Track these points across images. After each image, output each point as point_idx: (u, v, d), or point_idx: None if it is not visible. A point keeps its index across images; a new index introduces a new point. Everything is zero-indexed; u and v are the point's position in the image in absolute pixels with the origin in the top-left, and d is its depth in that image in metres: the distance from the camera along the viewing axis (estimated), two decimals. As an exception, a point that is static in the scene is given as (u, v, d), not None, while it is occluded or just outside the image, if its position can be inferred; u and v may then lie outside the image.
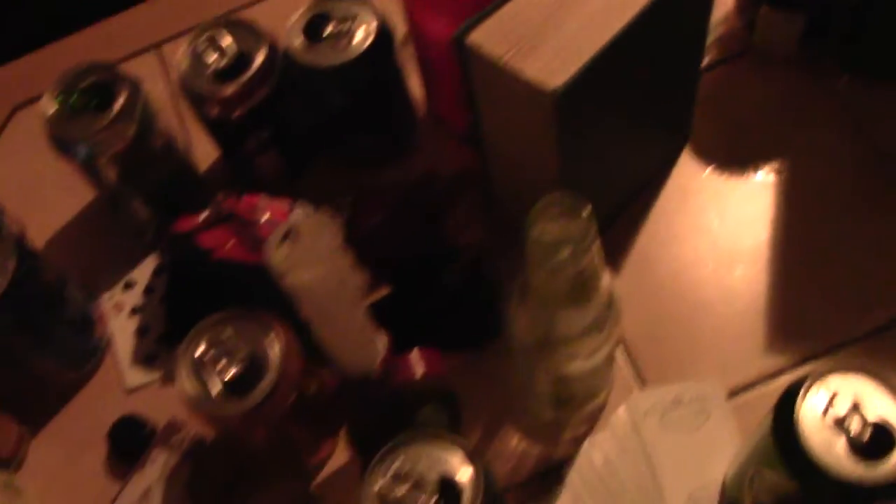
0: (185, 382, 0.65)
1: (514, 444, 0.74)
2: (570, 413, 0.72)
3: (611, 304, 0.61)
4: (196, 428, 0.76)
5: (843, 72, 0.87)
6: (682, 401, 0.73)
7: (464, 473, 0.59)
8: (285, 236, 0.51)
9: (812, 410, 0.57)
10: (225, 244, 0.75)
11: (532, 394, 0.71)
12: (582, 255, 0.53)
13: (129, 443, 0.78)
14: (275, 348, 0.65)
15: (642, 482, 0.70)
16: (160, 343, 0.82)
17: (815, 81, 0.86)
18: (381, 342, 0.63)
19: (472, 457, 0.59)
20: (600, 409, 0.74)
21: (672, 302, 0.78)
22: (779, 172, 0.83)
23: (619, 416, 0.73)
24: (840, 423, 0.56)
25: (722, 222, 0.81)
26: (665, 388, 0.74)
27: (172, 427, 0.76)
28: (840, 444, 0.56)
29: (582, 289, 0.57)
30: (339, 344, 0.59)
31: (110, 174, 0.79)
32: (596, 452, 0.72)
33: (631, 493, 0.70)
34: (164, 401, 0.80)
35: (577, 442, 0.73)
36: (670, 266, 0.80)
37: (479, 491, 0.58)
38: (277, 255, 0.50)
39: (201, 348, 0.65)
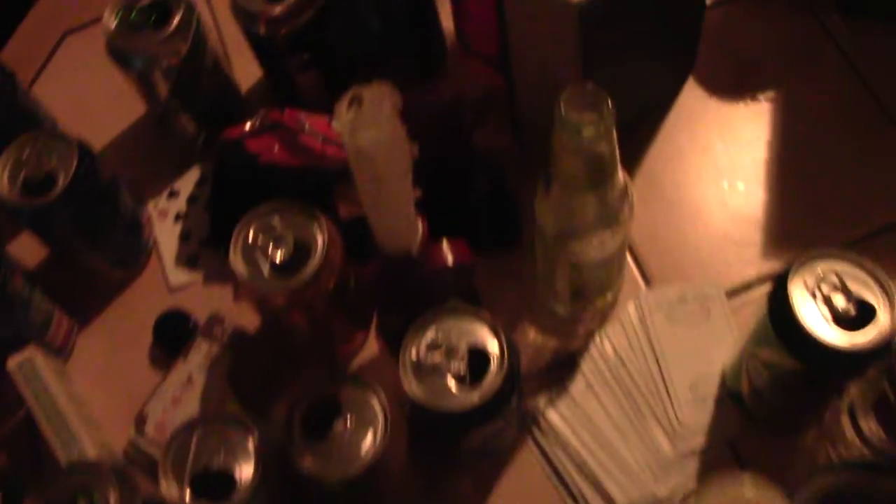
0: (238, 264, 0.71)
1: (532, 338, 0.80)
2: (583, 308, 0.79)
3: (626, 196, 0.68)
4: (237, 321, 0.82)
5: (838, 11, 0.94)
6: (686, 299, 0.80)
7: (491, 344, 0.66)
8: (350, 102, 0.57)
9: (802, 289, 0.63)
10: (271, 149, 0.81)
11: (550, 289, 0.78)
12: (602, 136, 0.59)
13: (173, 335, 0.83)
14: (319, 236, 0.71)
15: (648, 371, 0.77)
16: (202, 246, 0.89)
17: (813, 20, 0.93)
18: (420, 226, 0.69)
19: (497, 330, 0.66)
20: (611, 306, 0.80)
21: (676, 212, 0.85)
22: (775, 100, 0.89)
23: (628, 311, 0.80)
24: (827, 300, 0.63)
25: (723, 143, 0.88)
26: (670, 288, 0.80)
27: (214, 320, 0.82)
28: (827, 318, 0.62)
29: (601, 173, 0.63)
30: (385, 216, 0.66)
31: (162, 88, 0.86)
32: (606, 344, 0.78)
33: (637, 380, 0.77)
34: (206, 298, 0.86)
35: (590, 336, 0.80)
36: (675, 180, 0.87)
37: (504, 359, 0.65)
38: (343, 118, 0.56)
39: (252, 234, 0.71)
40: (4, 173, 0.79)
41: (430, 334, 0.66)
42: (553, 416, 0.76)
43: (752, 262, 0.81)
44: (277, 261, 0.70)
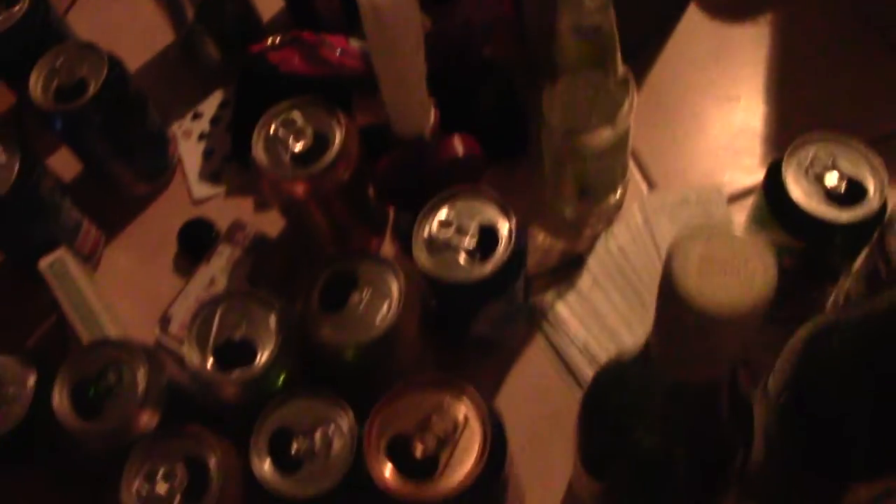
0: (260, 154, 0.74)
1: (541, 241, 0.84)
2: (589, 209, 0.82)
3: (627, 86, 0.71)
4: (258, 227, 0.86)
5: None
6: (688, 202, 0.83)
7: (500, 223, 0.69)
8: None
9: (796, 169, 0.67)
10: (291, 60, 0.85)
11: (557, 191, 0.81)
12: (601, 9, 0.63)
13: (196, 242, 0.87)
14: (337, 130, 0.75)
15: (651, 267, 0.80)
16: (225, 162, 0.93)
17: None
18: (432, 111, 0.73)
19: (507, 210, 0.69)
20: (616, 209, 0.84)
21: (679, 125, 0.89)
22: (774, 23, 0.93)
23: (633, 212, 0.83)
24: (820, 179, 0.66)
25: (724, 64, 0.92)
26: (673, 191, 0.84)
27: (236, 226, 0.86)
28: (820, 195, 0.66)
29: (603, 52, 0.67)
30: (399, 91, 0.69)
31: (189, 12, 0.90)
32: (612, 242, 0.82)
33: (642, 274, 0.80)
34: (228, 210, 0.90)
35: (596, 238, 0.83)
36: (677, 98, 0.91)
37: (512, 236, 0.68)
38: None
39: (273, 127, 0.75)
40: (38, 82, 0.83)
41: (442, 213, 0.70)
42: (561, 309, 0.80)
43: (751, 170, 0.85)
44: (297, 150, 0.74)
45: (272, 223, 0.87)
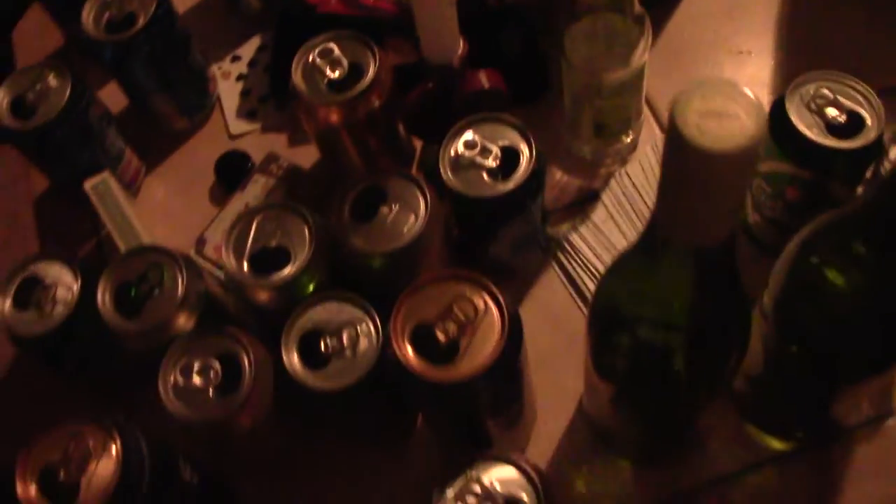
0: (298, 80, 0.79)
1: (559, 178, 0.89)
2: (605, 148, 0.87)
3: (643, 23, 0.76)
4: (292, 159, 0.91)
5: None
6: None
7: (522, 146, 0.74)
8: None
9: (799, 102, 0.71)
10: (328, 2, 0.90)
11: (576, 130, 0.86)
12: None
13: (232, 172, 0.92)
14: (371, 60, 0.79)
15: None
16: (261, 102, 0.98)
17: None
18: (461, 41, 0.78)
19: (528, 135, 0.74)
20: (630, 150, 0.88)
21: (692, 73, 0.93)
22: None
23: (646, 153, 0.88)
24: (821, 112, 0.71)
25: (736, 16, 0.97)
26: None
27: (271, 157, 0.91)
28: (821, 126, 0.70)
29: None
30: (431, 15, 0.74)
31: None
32: (626, 179, 0.86)
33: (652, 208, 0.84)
34: (263, 145, 0.95)
35: (610, 176, 0.88)
36: (691, 47, 0.95)
37: (532, 158, 0.73)
38: None
39: (311, 57, 0.80)
40: (90, 15, 0.88)
41: (468, 134, 0.75)
42: (576, 239, 0.84)
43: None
44: (333, 78, 0.79)
45: (305, 156, 0.91)
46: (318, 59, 0.79)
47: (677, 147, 0.40)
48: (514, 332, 0.61)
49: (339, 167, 0.87)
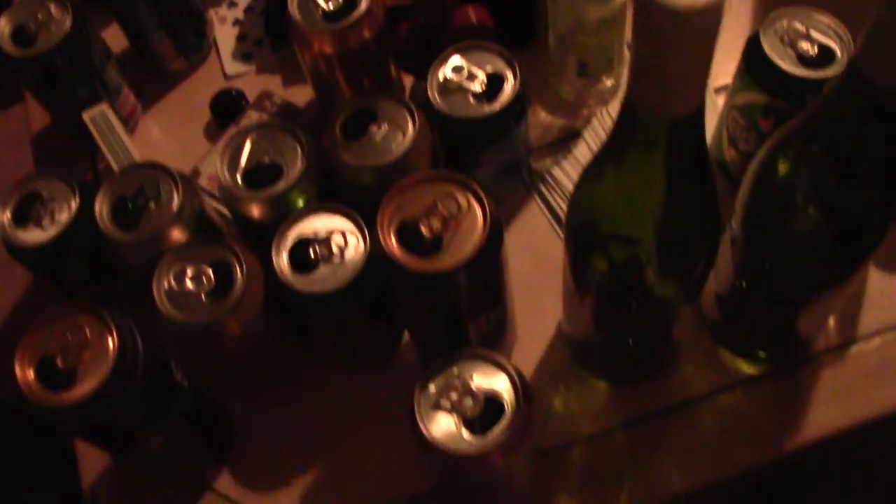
0: (294, 9, 0.82)
1: (542, 118, 0.92)
2: (588, 89, 0.90)
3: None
4: (285, 97, 0.94)
5: None
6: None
7: (507, 71, 0.77)
8: None
9: (773, 36, 0.74)
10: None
11: (560, 69, 0.89)
12: None
13: (227, 108, 0.95)
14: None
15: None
16: (256, 45, 1.01)
17: None
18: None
19: (513, 62, 0.77)
20: (612, 93, 0.92)
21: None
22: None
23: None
24: (794, 45, 0.74)
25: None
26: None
27: (265, 95, 0.94)
28: (794, 58, 0.73)
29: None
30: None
31: None
32: (607, 118, 0.90)
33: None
34: (258, 85, 0.98)
35: (592, 117, 0.91)
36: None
37: (517, 82, 0.76)
38: None
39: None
40: (93, -50, 0.91)
41: (455, 60, 0.78)
42: (558, 173, 0.88)
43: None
44: (328, 9, 0.81)
45: (299, 95, 0.94)
46: (315, -10, 0.82)
47: (645, 7, 0.42)
48: (494, 230, 0.64)
49: (330, 101, 0.89)
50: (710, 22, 0.43)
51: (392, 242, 0.64)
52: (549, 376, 0.81)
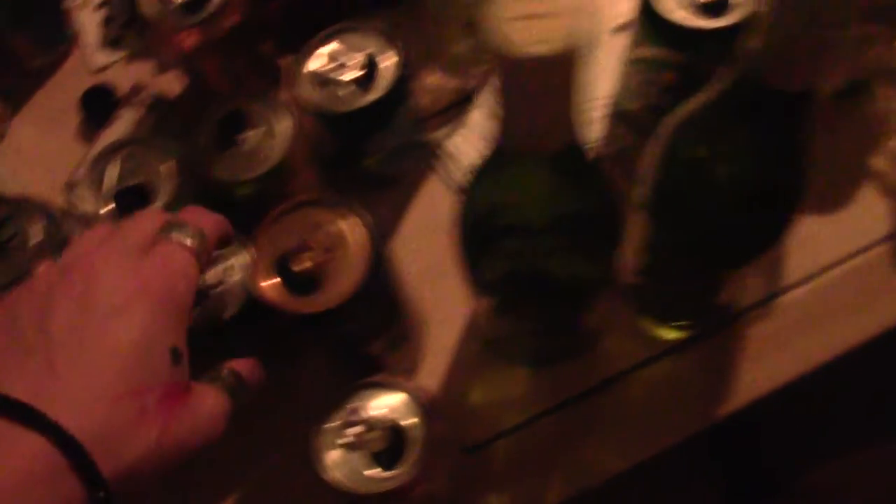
0: (148, 7, 0.75)
1: (431, 81, 0.86)
2: (477, 51, 0.84)
3: None
4: (159, 87, 0.87)
5: None
6: (575, 34, 0.85)
7: (385, 56, 0.71)
8: None
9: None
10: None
11: (446, 28, 0.83)
12: None
13: (99, 107, 0.89)
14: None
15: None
16: (124, 28, 0.93)
17: None
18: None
19: (393, 42, 0.71)
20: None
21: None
22: None
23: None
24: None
25: None
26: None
27: (137, 88, 0.87)
28: (688, 9, 0.68)
29: None
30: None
31: None
32: (501, 77, 0.84)
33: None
34: (130, 75, 0.91)
35: (486, 77, 0.85)
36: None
37: (399, 64, 0.70)
38: None
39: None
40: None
41: (325, 48, 0.72)
42: (454, 143, 0.82)
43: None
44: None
45: (174, 83, 0.88)
46: (171, -19, 0.75)
47: (496, 54, 0.38)
48: (377, 256, 0.60)
49: (208, 92, 0.83)
50: (565, 64, 0.38)
51: (266, 284, 0.59)
52: (465, 367, 0.77)
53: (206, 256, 0.51)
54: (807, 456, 1.11)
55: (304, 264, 0.59)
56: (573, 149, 0.46)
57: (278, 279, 0.59)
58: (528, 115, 0.41)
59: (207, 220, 0.52)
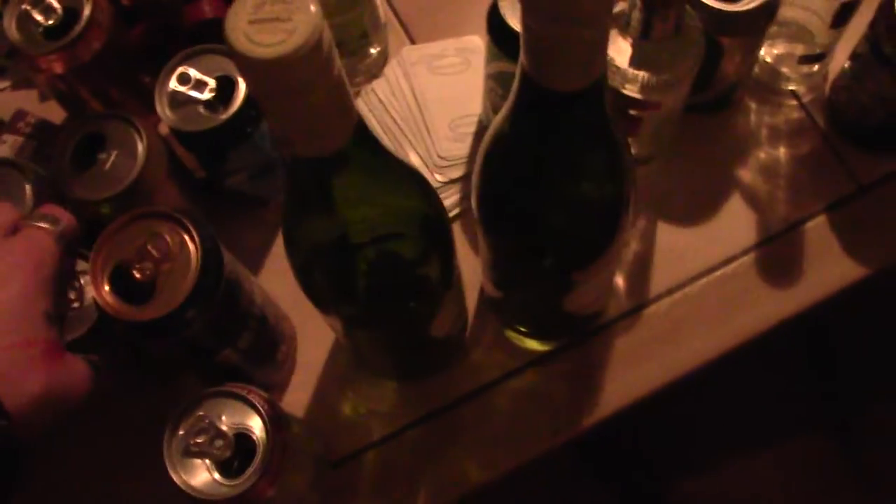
0: (14, 34, 0.76)
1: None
2: (356, 64, 0.85)
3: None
4: (42, 115, 0.88)
5: None
6: (447, 54, 0.86)
7: (241, 80, 0.72)
8: None
9: (511, 2, 0.70)
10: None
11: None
12: None
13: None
14: (87, 3, 0.76)
15: (410, 114, 0.84)
16: (7, 58, 0.94)
17: None
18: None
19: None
20: (380, 64, 0.87)
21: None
22: None
23: (391, 66, 0.86)
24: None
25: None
26: (432, 44, 0.87)
27: (19, 115, 0.88)
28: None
29: None
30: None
31: None
32: (372, 96, 0.85)
33: (400, 122, 0.83)
34: (14, 103, 0.91)
35: (357, 95, 0.86)
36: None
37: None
38: None
39: (24, 6, 0.77)
40: None
41: (182, 70, 0.73)
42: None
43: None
44: (48, 24, 0.76)
45: (56, 111, 0.88)
46: (30, 8, 0.76)
47: (236, 59, 0.38)
48: (210, 265, 0.60)
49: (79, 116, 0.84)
50: (303, 67, 0.39)
51: (104, 292, 0.60)
52: (336, 382, 0.78)
53: (65, 239, 0.60)
54: (679, 466, 1.12)
55: (137, 273, 0.60)
56: (363, 149, 0.47)
57: (113, 288, 0.60)
58: (284, 119, 0.42)
59: (60, 211, 0.61)
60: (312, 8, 0.38)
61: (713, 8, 0.71)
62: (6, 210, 0.61)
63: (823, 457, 1.09)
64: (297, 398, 0.76)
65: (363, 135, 0.46)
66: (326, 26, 0.38)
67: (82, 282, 0.66)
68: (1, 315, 0.54)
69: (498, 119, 0.54)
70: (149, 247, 0.61)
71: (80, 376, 0.58)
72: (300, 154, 0.45)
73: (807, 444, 1.10)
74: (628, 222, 0.59)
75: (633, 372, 0.76)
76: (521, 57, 0.45)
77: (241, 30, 0.38)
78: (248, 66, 0.38)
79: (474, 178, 0.59)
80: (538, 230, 0.58)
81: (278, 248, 0.81)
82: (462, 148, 0.81)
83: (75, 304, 0.66)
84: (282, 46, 0.37)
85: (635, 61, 0.67)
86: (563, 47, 0.42)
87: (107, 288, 0.60)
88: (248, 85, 0.40)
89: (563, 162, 0.53)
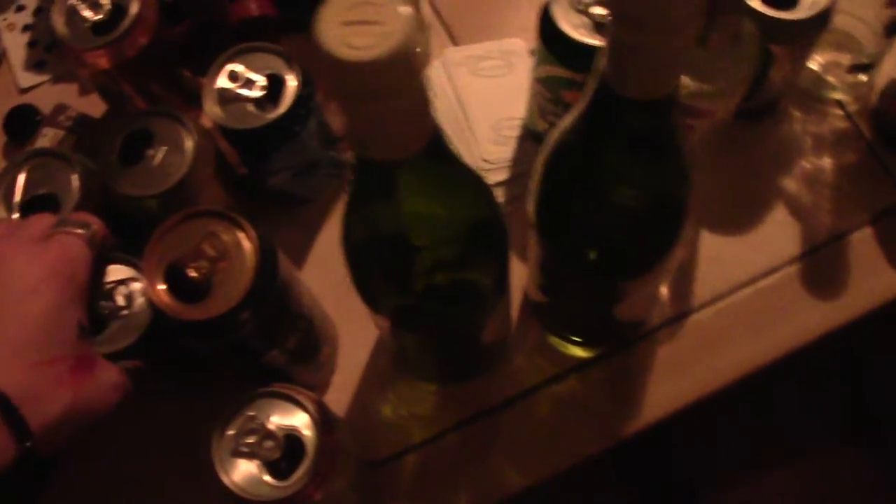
0: (61, 27, 0.76)
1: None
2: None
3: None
4: (82, 109, 0.88)
5: None
6: (490, 55, 0.86)
7: (288, 75, 0.72)
8: None
9: (566, 5, 0.70)
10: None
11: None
12: None
13: (21, 126, 0.89)
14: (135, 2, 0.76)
15: (454, 116, 0.83)
16: (48, 51, 0.94)
17: None
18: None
19: (292, 61, 0.72)
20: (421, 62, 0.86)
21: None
22: None
23: (434, 67, 0.86)
24: (586, 12, 0.69)
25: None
26: (475, 46, 0.87)
27: (59, 108, 0.88)
28: (588, 26, 0.69)
29: None
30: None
31: None
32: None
33: (444, 124, 0.83)
34: (55, 96, 0.91)
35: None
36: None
37: (300, 84, 0.71)
38: None
39: (71, 1, 0.77)
40: None
41: (230, 67, 0.72)
42: (367, 162, 0.82)
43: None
44: (96, 20, 0.76)
45: (97, 104, 0.88)
46: (78, 4, 0.76)
47: (325, 61, 0.38)
48: (266, 265, 0.60)
49: (127, 113, 0.84)
50: (393, 70, 0.38)
51: (159, 291, 0.59)
52: (376, 384, 0.77)
53: (96, 244, 0.60)
54: (717, 473, 1.12)
55: (192, 273, 0.60)
56: (436, 155, 0.46)
57: (167, 287, 0.60)
58: (364, 122, 0.42)
59: (91, 217, 0.62)
60: (406, 12, 0.37)
61: (767, 16, 0.70)
62: (43, 217, 0.62)
63: (854, 470, 1.08)
64: (336, 398, 0.76)
65: (439, 140, 0.46)
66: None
67: (131, 288, 0.65)
68: (32, 330, 0.54)
69: (563, 125, 0.54)
70: (204, 245, 0.60)
71: (109, 388, 0.58)
72: (374, 156, 0.45)
73: (836, 457, 1.09)
74: (686, 231, 0.59)
75: (674, 381, 0.75)
76: (601, 65, 0.44)
77: (334, 31, 0.37)
78: (338, 67, 0.37)
79: (533, 185, 0.59)
80: (600, 239, 0.58)
81: (319, 248, 0.81)
82: (505, 151, 0.81)
83: (124, 311, 0.65)
84: (376, 50, 0.37)
85: (691, 70, 0.67)
86: (649, 56, 0.42)
87: (162, 286, 0.60)
88: (329, 85, 0.39)
89: (632, 171, 0.52)
